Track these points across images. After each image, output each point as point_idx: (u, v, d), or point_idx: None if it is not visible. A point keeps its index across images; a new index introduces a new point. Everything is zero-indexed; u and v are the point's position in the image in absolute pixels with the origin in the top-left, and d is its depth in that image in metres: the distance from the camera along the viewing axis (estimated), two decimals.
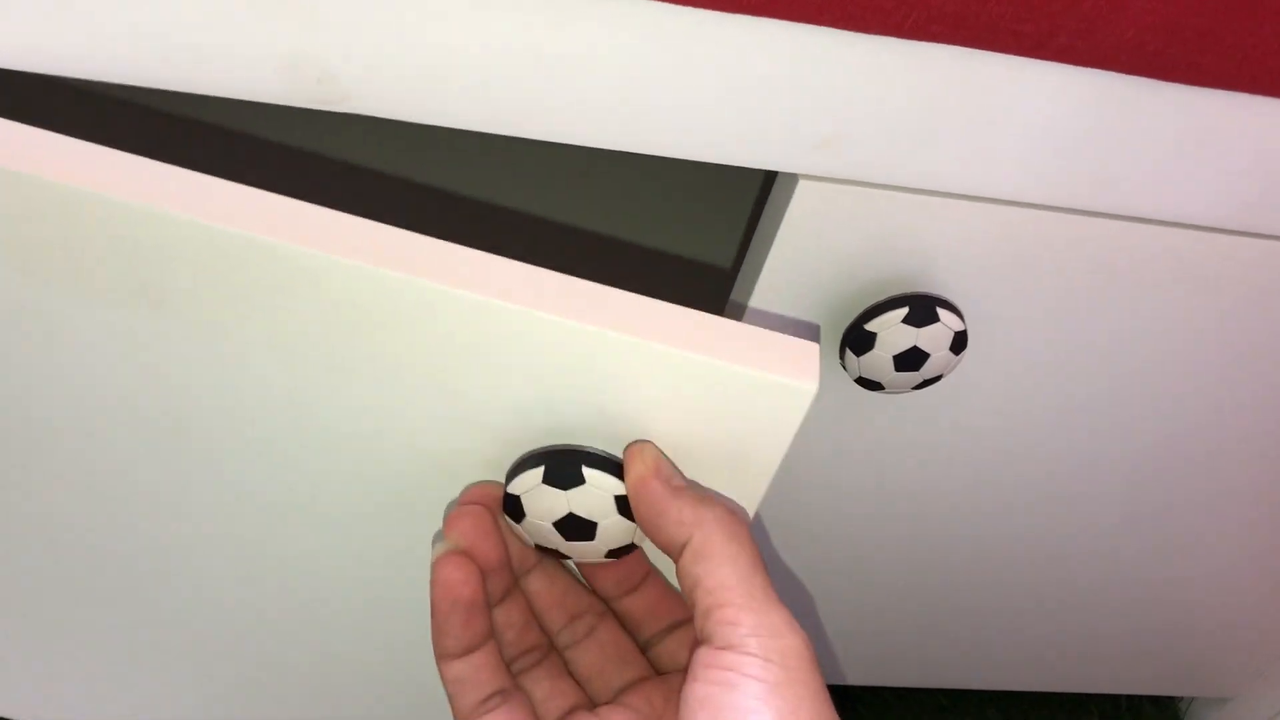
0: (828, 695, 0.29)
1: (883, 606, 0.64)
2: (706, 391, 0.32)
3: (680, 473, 0.33)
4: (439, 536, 0.35)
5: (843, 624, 0.65)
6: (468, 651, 0.34)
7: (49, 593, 0.48)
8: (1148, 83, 0.38)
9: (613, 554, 0.35)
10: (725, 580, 0.30)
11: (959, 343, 0.43)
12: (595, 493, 0.34)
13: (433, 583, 0.34)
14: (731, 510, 0.31)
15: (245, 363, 0.36)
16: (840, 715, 0.30)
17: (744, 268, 0.45)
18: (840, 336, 0.44)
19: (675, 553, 0.31)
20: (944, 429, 0.51)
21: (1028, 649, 0.72)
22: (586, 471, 0.33)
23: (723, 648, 0.29)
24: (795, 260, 0.42)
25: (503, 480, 0.36)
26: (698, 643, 0.30)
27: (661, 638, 0.36)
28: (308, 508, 0.40)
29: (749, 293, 0.43)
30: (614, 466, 0.34)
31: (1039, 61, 0.37)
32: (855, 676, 0.71)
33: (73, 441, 0.40)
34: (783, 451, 0.33)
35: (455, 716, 0.35)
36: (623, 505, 0.34)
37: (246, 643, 0.47)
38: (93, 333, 0.36)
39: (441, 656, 0.34)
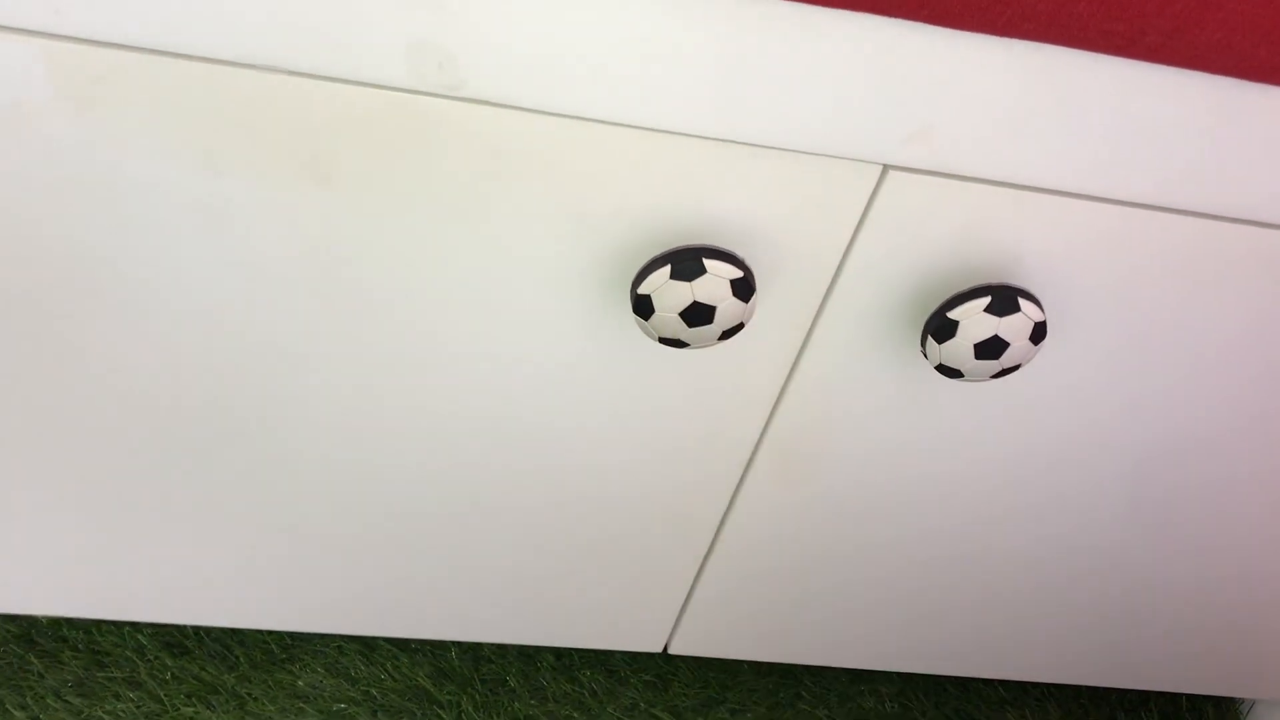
0: None
1: (946, 594, 0.65)
2: (790, 180, 0.40)
3: None
4: None
5: (904, 611, 0.66)
6: None
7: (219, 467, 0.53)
8: (1236, 83, 0.38)
9: (725, 335, 0.42)
10: None
11: (1039, 333, 0.44)
12: (715, 280, 0.40)
13: None
14: None
15: (401, 224, 0.42)
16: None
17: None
18: (923, 324, 0.45)
19: None
20: (1020, 418, 0.52)
21: (1090, 643, 0.72)
22: (707, 263, 0.40)
23: None
24: (881, 249, 0.43)
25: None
26: None
27: None
28: (458, 349, 0.47)
29: (832, 280, 0.45)
30: (727, 256, 0.41)
31: (1129, 61, 0.38)
32: (916, 664, 0.71)
33: (246, 315, 0.45)
34: (853, 225, 0.42)
35: None
36: (737, 288, 0.41)
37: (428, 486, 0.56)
38: (263, 213, 0.41)
39: None
